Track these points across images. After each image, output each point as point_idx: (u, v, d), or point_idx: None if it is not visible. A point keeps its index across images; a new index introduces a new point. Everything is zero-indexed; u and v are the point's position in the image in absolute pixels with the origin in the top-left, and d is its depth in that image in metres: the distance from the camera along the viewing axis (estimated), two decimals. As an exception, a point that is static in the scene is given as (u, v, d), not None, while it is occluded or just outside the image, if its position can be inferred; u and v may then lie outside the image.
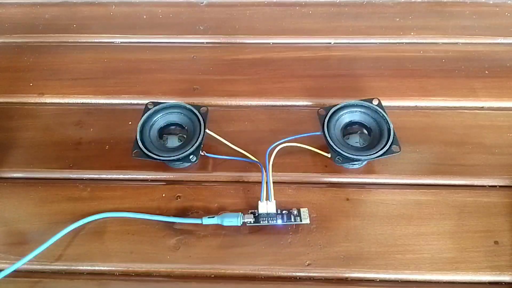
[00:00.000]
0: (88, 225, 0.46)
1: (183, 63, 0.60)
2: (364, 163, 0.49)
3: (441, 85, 0.56)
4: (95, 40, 0.63)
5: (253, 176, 0.49)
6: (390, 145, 0.46)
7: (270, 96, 0.56)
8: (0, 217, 0.47)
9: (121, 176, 0.50)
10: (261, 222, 0.44)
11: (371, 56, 0.60)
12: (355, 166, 0.49)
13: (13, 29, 0.65)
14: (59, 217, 0.46)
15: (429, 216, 0.46)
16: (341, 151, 0.45)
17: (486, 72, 0.58)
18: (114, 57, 0.61)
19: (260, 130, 0.53)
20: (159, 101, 0.50)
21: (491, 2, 0.66)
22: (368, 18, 0.65)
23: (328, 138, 0.46)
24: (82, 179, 0.50)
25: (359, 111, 0.49)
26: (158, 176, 0.50)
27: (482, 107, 0.55)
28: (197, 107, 0.49)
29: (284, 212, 0.45)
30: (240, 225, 0.44)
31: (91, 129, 0.53)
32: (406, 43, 0.62)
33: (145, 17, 0.66)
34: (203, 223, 0.45)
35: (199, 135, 0.47)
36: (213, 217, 0.45)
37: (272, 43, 0.62)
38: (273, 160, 0.47)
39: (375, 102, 0.49)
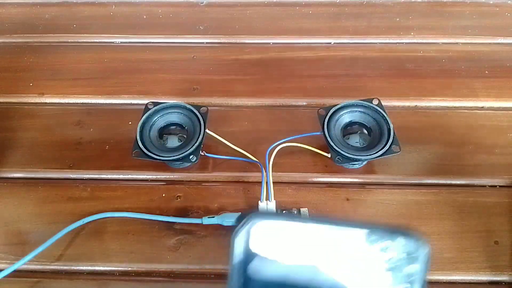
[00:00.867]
0: (88, 225, 0.46)
1: (183, 63, 0.60)
2: (364, 163, 0.49)
3: (441, 85, 0.56)
4: (95, 40, 0.63)
5: (253, 176, 0.49)
6: (390, 145, 0.46)
7: (270, 96, 0.56)
8: (0, 217, 0.47)
9: (121, 176, 0.50)
10: (261, 222, 0.44)
11: (371, 56, 0.60)
12: (355, 166, 0.49)
13: (13, 29, 0.65)
14: (59, 217, 0.46)
15: (429, 216, 0.46)
16: (341, 151, 0.45)
17: (486, 72, 0.58)
18: (114, 57, 0.61)
19: (260, 130, 0.53)
20: (159, 101, 0.50)
21: (491, 2, 0.66)
22: (368, 18, 0.65)
23: (328, 138, 0.46)
24: (82, 179, 0.50)
25: (359, 111, 0.49)
26: (158, 176, 0.50)
27: (482, 107, 0.55)
28: (197, 107, 0.49)
29: (284, 212, 0.45)
30: (240, 225, 0.44)
31: (91, 129, 0.53)
32: (406, 43, 0.62)
33: (145, 17, 0.66)
34: (203, 223, 0.45)
35: (199, 135, 0.47)
36: (213, 217, 0.45)
37: (272, 43, 0.62)
38: (273, 160, 0.47)
39: (375, 102, 0.49)
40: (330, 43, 0.62)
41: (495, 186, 0.48)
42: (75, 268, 0.44)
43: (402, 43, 0.62)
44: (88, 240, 0.45)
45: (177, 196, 0.48)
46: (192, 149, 0.46)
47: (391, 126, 0.47)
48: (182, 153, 0.46)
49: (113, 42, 0.63)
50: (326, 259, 0.22)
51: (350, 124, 0.49)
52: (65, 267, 0.44)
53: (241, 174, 0.49)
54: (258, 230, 0.22)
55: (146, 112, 0.49)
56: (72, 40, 0.63)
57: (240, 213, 0.45)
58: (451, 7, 0.66)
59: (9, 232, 0.46)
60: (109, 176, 0.50)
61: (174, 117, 0.50)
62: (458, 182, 0.48)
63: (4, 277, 0.41)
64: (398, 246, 0.21)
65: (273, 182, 0.46)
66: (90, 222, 0.46)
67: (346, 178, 0.49)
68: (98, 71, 0.59)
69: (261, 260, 0.22)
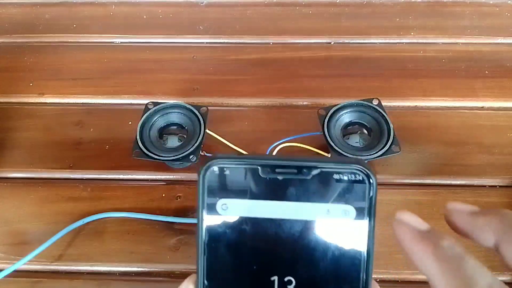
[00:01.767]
0: (88, 225, 0.46)
1: (183, 63, 0.60)
2: (364, 163, 0.49)
3: (441, 85, 0.56)
4: (95, 40, 0.63)
5: (253, 176, 0.49)
6: (390, 145, 0.46)
7: (270, 96, 0.56)
8: (0, 217, 0.47)
9: (121, 176, 0.50)
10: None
11: (371, 56, 0.60)
12: (355, 166, 0.49)
13: (13, 29, 0.65)
14: (59, 217, 0.46)
15: (429, 216, 0.46)
16: (341, 151, 0.45)
17: (486, 72, 0.58)
18: (114, 57, 0.61)
19: (260, 130, 0.53)
20: (159, 101, 0.50)
21: (491, 2, 0.66)
22: (368, 18, 0.65)
23: (328, 138, 0.46)
24: (82, 179, 0.50)
25: (359, 111, 0.49)
26: (158, 176, 0.50)
27: (482, 107, 0.55)
28: (197, 107, 0.49)
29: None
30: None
31: (91, 129, 0.53)
32: (406, 43, 0.62)
33: (145, 17, 0.66)
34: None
35: (199, 135, 0.47)
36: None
37: (272, 43, 0.62)
38: (273, 160, 0.47)
39: (375, 102, 0.49)
40: (330, 43, 0.62)
41: (495, 186, 0.48)
42: (75, 268, 0.44)
43: (402, 43, 0.62)
44: (88, 240, 0.45)
45: (177, 196, 0.48)
46: (192, 149, 0.46)
47: (391, 126, 0.47)
48: (182, 153, 0.46)
49: (113, 42, 0.63)
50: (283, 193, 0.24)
51: (350, 124, 0.49)
52: (65, 267, 0.44)
53: (241, 174, 0.49)
54: (220, 171, 0.23)
55: (146, 112, 0.49)
56: (72, 40, 0.63)
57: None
58: (451, 7, 0.66)
59: (9, 232, 0.46)
60: (109, 176, 0.50)
61: (174, 117, 0.50)
62: (458, 182, 0.48)
63: (4, 277, 0.41)
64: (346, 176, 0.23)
65: (273, 182, 0.46)
66: (90, 222, 0.46)
67: (346, 178, 0.49)
68: (98, 71, 0.59)
69: (226, 198, 0.24)
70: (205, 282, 0.24)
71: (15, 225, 0.46)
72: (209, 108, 0.49)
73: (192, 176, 0.50)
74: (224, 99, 0.56)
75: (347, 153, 0.45)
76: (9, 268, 0.42)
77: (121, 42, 0.63)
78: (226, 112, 0.54)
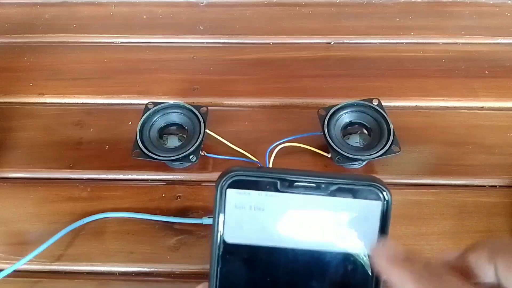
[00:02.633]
0: (88, 225, 0.46)
1: (183, 63, 0.60)
2: (364, 163, 0.49)
3: (441, 85, 0.56)
4: (95, 40, 0.63)
5: (253, 176, 0.49)
6: (390, 145, 0.46)
7: (270, 96, 0.56)
8: (0, 217, 0.47)
9: (121, 176, 0.50)
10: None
11: (371, 56, 0.60)
12: (355, 166, 0.49)
13: (13, 29, 0.65)
14: (59, 217, 0.46)
15: (429, 216, 0.46)
16: (341, 151, 0.45)
17: (486, 72, 0.58)
18: (114, 57, 0.61)
19: (260, 130, 0.53)
20: (159, 101, 0.50)
21: (491, 2, 0.66)
22: (368, 18, 0.65)
23: (328, 138, 0.46)
24: (82, 179, 0.50)
25: (359, 111, 0.49)
26: (158, 176, 0.50)
27: (482, 107, 0.55)
28: (197, 107, 0.49)
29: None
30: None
31: (91, 129, 0.53)
32: (406, 43, 0.62)
33: (145, 17, 0.66)
34: (203, 223, 0.45)
35: (199, 135, 0.47)
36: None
37: (272, 43, 0.62)
38: (273, 160, 0.47)
39: (375, 102, 0.49)
40: (330, 43, 0.62)
41: (495, 186, 0.48)
42: (75, 268, 0.44)
43: (402, 43, 0.62)
44: (88, 240, 0.45)
45: (177, 196, 0.48)
46: (192, 149, 0.46)
47: (391, 126, 0.47)
48: (182, 153, 0.46)
49: (113, 42, 0.63)
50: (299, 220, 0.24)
51: (350, 124, 0.49)
52: (65, 267, 0.44)
53: (241, 174, 0.49)
54: (239, 184, 0.23)
55: (146, 112, 0.49)
56: (72, 40, 0.63)
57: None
58: (451, 7, 0.66)
59: (9, 232, 0.46)
60: (109, 176, 0.50)
61: (174, 117, 0.50)
62: (458, 182, 0.48)
63: (4, 277, 0.41)
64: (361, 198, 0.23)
65: (273, 182, 0.46)
66: (90, 222, 0.46)
67: (346, 178, 0.49)
68: (98, 71, 0.59)
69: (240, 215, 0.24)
70: None
71: (15, 225, 0.46)
72: (209, 108, 0.49)
73: (192, 176, 0.50)
74: (224, 99, 0.56)
75: (347, 153, 0.45)
76: (9, 268, 0.42)
77: (121, 42, 0.63)
78: (226, 112, 0.54)
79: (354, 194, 0.23)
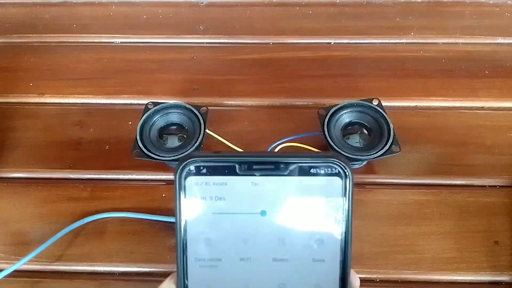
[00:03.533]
0: (88, 225, 0.46)
1: (183, 63, 0.60)
2: (364, 163, 0.49)
3: (441, 85, 0.56)
4: (95, 40, 0.63)
5: (253, 176, 0.49)
6: (390, 145, 0.46)
7: (270, 96, 0.56)
8: (0, 217, 0.47)
9: (121, 176, 0.50)
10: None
11: (371, 56, 0.60)
12: (355, 166, 0.49)
13: (13, 29, 0.65)
14: (59, 217, 0.46)
15: (429, 216, 0.46)
16: (341, 151, 0.45)
17: (486, 72, 0.58)
18: (114, 57, 0.61)
19: (260, 130, 0.53)
20: (159, 101, 0.50)
21: (491, 2, 0.66)
22: (368, 18, 0.65)
23: (328, 138, 0.46)
24: (82, 179, 0.50)
25: (359, 111, 0.49)
26: (158, 176, 0.50)
27: (482, 107, 0.55)
28: (197, 107, 0.49)
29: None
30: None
31: (91, 129, 0.53)
32: (406, 43, 0.62)
33: (145, 17, 0.66)
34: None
35: (199, 135, 0.47)
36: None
37: (272, 43, 0.62)
38: (273, 160, 0.47)
39: (375, 102, 0.49)
40: (330, 43, 0.62)
41: (495, 186, 0.48)
42: (75, 268, 0.44)
43: (402, 43, 0.62)
44: (88, 240, 0.45)
45: (177, 196, 0.48)
46: (192, 149, 0.46)
47: (391, 126, 0.47)
48: (182, 153, 0.46)
49: (113, 42, 0.63)
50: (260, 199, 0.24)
51: (350, 124, 0.49)
52: (65, 267, 0.44)
53: (241, 174, 0.49)
54: (197, 169, 0.23)
55: (146, 112, 0.49)
56: (72, 40, 0.63)
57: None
58: (451, 7, 0.66)
59: (9, 232, 0.46)
60: (109, 176, 0.50)
61: (174, 117, 0.50)
62: (458, 182, 0.48)
63: (4, 277, 0.41)
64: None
65: (273, 182, 0.46)
66: (90, 222, 0.46)
67: (346, 178, 0.49)
68: (98, 71, 0.59)
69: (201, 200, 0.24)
70: (185, 281, 0.24)
71: (15, 225, 0.46)
72: (209, 108, 0.49)
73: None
74: (224, 99, 0.56)
75: (347, 153, 0.45)
76: (9, 268, 0.42)
77: (121, 42, 0.63)
78: (226, 112, 0.54)
79: (314, 172, 0.23)
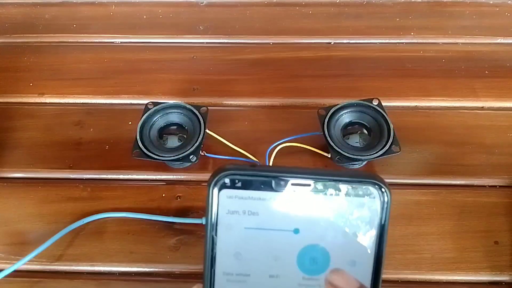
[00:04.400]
0: (88, 225, 0.46)
1: (183, 63, 0.60)
2: (364, 163, 0.49)
3: (441, 85, 0.56)
4: (95, 40, 0.63)
5: (253, 176, 0.49)
6: (390, 145, 0.46)
7: (270, 96, 0.56)
8: (0, 217, 0.47)
9: (121, 176, 0.50)
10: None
11: (371, 56, 0.60)
12: (355, 166, 0.49)
13: (13, 29, 0.65)
14: (59, 217, 0.46)
15: (429, 216, 0.46)
16: (341, 151, 0.45)
17: (486, 72, 0.58)
18: (114, 57, 0.61)
19: (260, 130, 0.53)
20: (159, 101, 0.50)
21: (491, 2, 0.66)
22: (368, 18, 0.65)
23: (328, 138, 0.46)
24: (82, 179, 0.50)
25: (359, 111, 0.49)
26: (158, 176, 0.50)
27: (482, 107, 0.55)
28: (197, 107, 0.49)
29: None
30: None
31: (91, 129, 0.53)
32: (406, 43, 0.62)
33: (145, 17, 0.66)
34: (203, 223, 0.45)
35: (199, 135, 0.47)
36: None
37: (272, 43, 0.62)
38: (273, 160, 0.47)
39: (375, 102, 0.49)
40: (330, 43, 0.62)
41: (495, 186, 0.48)
42: (75, 268, 0.44)
43: (402, 43, 0.62)
44: (88, 240, 0.45)
45: (177, 196, 0.48)
46: (192, 149, 0.46)
47: (391, 126, 0.47)
48: (182, 153, 0.46)
49: (113, 42, 0.63)
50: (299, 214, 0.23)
51: (350, 124, 0.49)
52: (65, 267, 0.44)
53: (241, 174, 0.49)
54: (231, 183, 0.23)
55: (146, 112, 0.49)
56: (72, 40, 0.63)
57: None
58: (451, 7, 0.66)
59: (9, 232, 0.46)
60: (109, 176, 0.50)
61: (174, 117, 0.50)
62: (458, 182, 0.48)
63: (4, 277, 0.41)
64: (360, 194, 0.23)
65: (273, 182, 0.45)
66: (90, 222, 0.46)
67: (346, 178, 0.49)
68: (98, 71, 0.59)
69: (237, 214, 0.23)
70: None
71: (15, 225, 0.46)
72: (209, 108, 0.49)
73: (192, 176, 0.50)
74: (224, 99, 0.56)
75: (347, 153, 0.45)
76: (9, 268, 0.42)
77: (121, 42, 0.63)
78: (226, 112, 0.54)
79: (352, 192, 0.23)
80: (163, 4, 0.68)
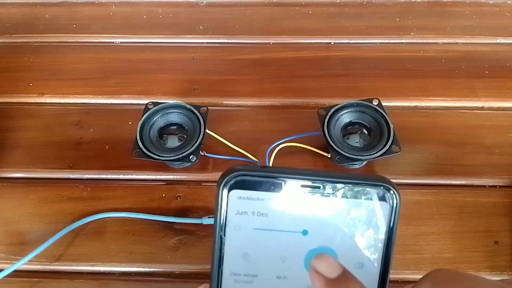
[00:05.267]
0: (88, 225, 0.46)
1: (183, 63, 0.60)
2: (364, 163, 0.49)
3: (441, 85, 0.56)
4: (95, 40, 0.63)
5: (253, 176, 0.49)
6: (390, 145, 0.46)
7: (270, 96, 0.56)
8: (0, 217, 0.47)
9: (121, 176, 0.50)
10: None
11: (371, 56, 0.60)
12: (355, 166, 0.49)
13: (13, 29, 0.65)
14: (59, 217, 0.46)
15: (429, 216, 0.46)
16: (341, 151, 0.45)
17: (486, 72, 0.58)
18: (114, 57, 0.61)
19: (260, 130, 0.53)
20: (159, 101, 0.50)
21: (491, 2, 0.66)
22: (368, 18, 0.65)
23: (328, 138, 0.46)
24: (82, 179, 0.50)
25: (359, 111, 0.49)
26: (158, 176, 0.50)
27: (482, 107, 0.55)
28: (197, 107, 0.49)
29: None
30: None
31: (91, 129, 0.53)
32: (406, 43, 0.62)
33: (145, 17, 0.66)
34: (203, 223, 0.45)
35: (199, 135, 0.47)
36: (213, 217, 0.45)
37: (272, 43, 0.62)
38: (273, 160, 0.47)
39: (375, 102, 0.49)
40: (330, 43, 0.62)
41: (495, 186, 0.48)
42: (75, 268, 0.44)
43: (402, 43, 0.62)
44: (88, 240, 0.45)
45: (177, 196, 0.48)
46: (192, 149, 0.46)
47: (391, 126, 0.47)
48: (182, 153, 0.46)
49: (113, 42, 0.63)
50: (307, 216, 0.23)
51: (350, 124, 0.49)
52: (65, 267, 0.44)
53: (241, 174, 0.49)
54: (241, 184, 0.23)
55: (146, 112, 0.49)
56: (72, 40, 0.63)
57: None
58: (451, 7, 0.66)
59: (9, 232, 0.46)
60: (109, 176, 0.50)
61: (174, 117, 0.50)
62: (458, 182, 0.48)
63: (4, 277, 0.41)
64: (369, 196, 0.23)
65: (273, 182, 0.45)
66: (90, 222, 0.46)
67: (346, 178, 0.49)
68: (98, 71, 0.59)
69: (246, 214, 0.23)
70: None
71: (15, 225, 0.46)
72: (209, 108, 0.49)
73: (192, 176, 0.50)
74: (224, 99, 0.56)
75: (347, 153, 0.45)
76: (9, 268, 0.42)
77: (121, 42, 0.63)
78: (226, 112, 0.54)
79: (361, 195, 0.23)
80: (163, 4, 0.68)
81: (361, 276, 0.22)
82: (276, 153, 0.48)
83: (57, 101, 0.57)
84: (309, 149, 0.49)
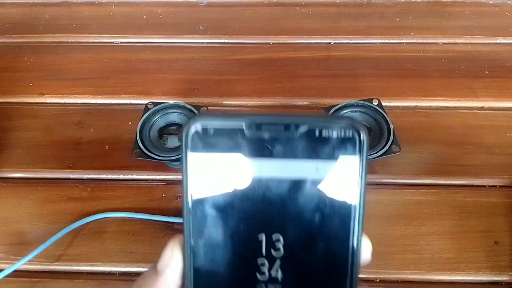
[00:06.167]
0: (88, 225, 0.46)
1: (183, 63, 0.60)
2: (364, 163, 0.49)
3: (441, 85, 0.56)
4: (95, 40, 0.63)
5: (253, 176, 0.49)
6: (390, 145, 0.46)
7: (270, 96, 0.56)
8: (0, 217, 0.47)
9: (121, 176, 0.50)
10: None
11: (371, 56, 0.60)
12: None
13: (13, 29, 0.65)
14: (59, 217, 0.46)
15: (429, 216, 0.46)
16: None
17: (486, 72, 0.58)
18: (114, 57, 0.61)
19: (260, 130, 0.53)
20: (159, 101, 0.50)
21: (491, 2, 0.66)
22: (368, 18, 0.65)
23: (328, 138, 0.46)
24: (82, 179, 0.50)
25: (359, 111, 0.49)
26: (158, 176, 0.50)
27: (482, 107, 0.55)
28: (197, 107, 0.49)
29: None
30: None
31: (91, 129, 0.53)
32: (406, 43, 0.62)
33: (145, 17, 0.66)
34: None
35: (199, 135, 0.47)
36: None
37: (272, 43, 0.62)
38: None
39: (375, 102, 0.49)
40: (330, 43, 0.62)
41: (495, 186, 0.48)
42: (75, 268, 0.44)
43: (402, 43, 0.62)
44: (88, 240, 0.45)
45: (177, 196, 0.48)
46: (192, 149, 0.46)
47: (391, 126, 0.47)
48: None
49: (113, 42, 0.63)
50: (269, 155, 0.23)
51: (350, 124, 0.49)
52: (65, 267, 0.44)
53: (241, 174, 0.49)
54: (204, 130, 0.23)
55: (146, 112, 0.49)
56: (72, 40, 0.63)
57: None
58: (451, 7, 0.66)
59: (9, 232, 0.46)
60: (109, 176, 0.50)
61: (174, 117, 0.50)
62: (458, 182, 0.48)
63: (4, 277, 0.41)
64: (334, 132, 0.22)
65: (273, 182, 0.46)
66: (90, 222, 0.46)
67: (346, 178, 0.49)
68: (98, 71, 0.59)
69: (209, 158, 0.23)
70: (192, 241, 0.25)
71: (15, 225, 0.46)
72: (209, 108, 0.49)
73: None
74: (224, 99, 0.56)
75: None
76: (9, 268, 0.42)
77: (121, 42, 0.63)
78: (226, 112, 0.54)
79: (327, 135, 0.22)
80: (163, 4, 0.68)
81: (338, 213, 0.23)
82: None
83: (57, 101, 0.57)
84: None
